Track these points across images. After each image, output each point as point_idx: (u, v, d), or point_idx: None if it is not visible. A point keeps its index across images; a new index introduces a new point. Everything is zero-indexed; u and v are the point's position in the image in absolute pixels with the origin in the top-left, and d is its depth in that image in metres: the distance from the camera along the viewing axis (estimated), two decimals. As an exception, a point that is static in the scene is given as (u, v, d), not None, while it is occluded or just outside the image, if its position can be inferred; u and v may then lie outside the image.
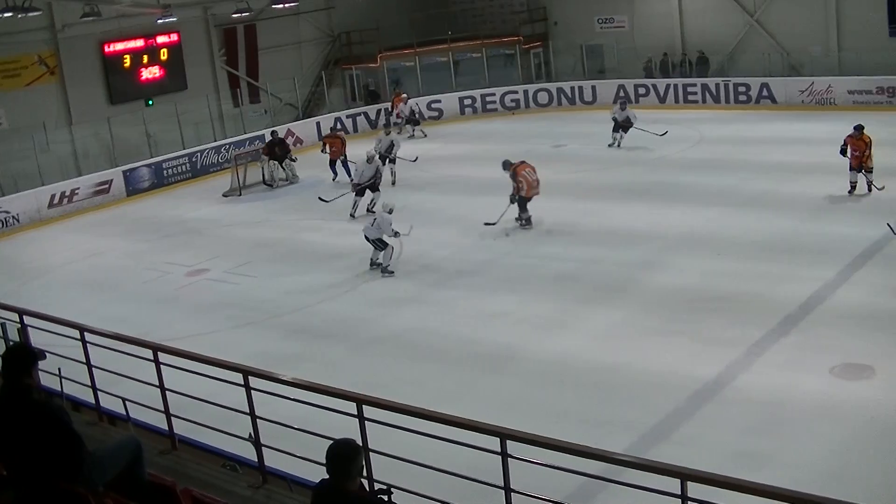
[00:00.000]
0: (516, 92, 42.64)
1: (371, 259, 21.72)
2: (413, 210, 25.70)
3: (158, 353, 10.02)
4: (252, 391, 9.10)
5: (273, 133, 33.99)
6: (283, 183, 32.68)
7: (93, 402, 11.07)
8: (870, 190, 22.64)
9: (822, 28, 37.00)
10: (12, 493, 7.40)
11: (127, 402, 10.52)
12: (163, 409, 10.06)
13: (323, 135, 36.01)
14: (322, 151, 32.50)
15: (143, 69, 37.92)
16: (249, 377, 9.08)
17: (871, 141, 22.57)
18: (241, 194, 32.06)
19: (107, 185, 33.28)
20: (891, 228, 17.69)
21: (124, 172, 33.85)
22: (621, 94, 39.81)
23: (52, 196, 31.81)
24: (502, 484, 7.50)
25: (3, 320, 12.80)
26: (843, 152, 22.85)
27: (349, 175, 30.52)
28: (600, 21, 43.26)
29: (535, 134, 36.68)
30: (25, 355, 7.60)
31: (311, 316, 19.56)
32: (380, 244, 21.43)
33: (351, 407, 8.26)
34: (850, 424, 12.79)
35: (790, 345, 15.46)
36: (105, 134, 34.90)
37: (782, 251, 19.92)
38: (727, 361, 15.00)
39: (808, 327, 16.06)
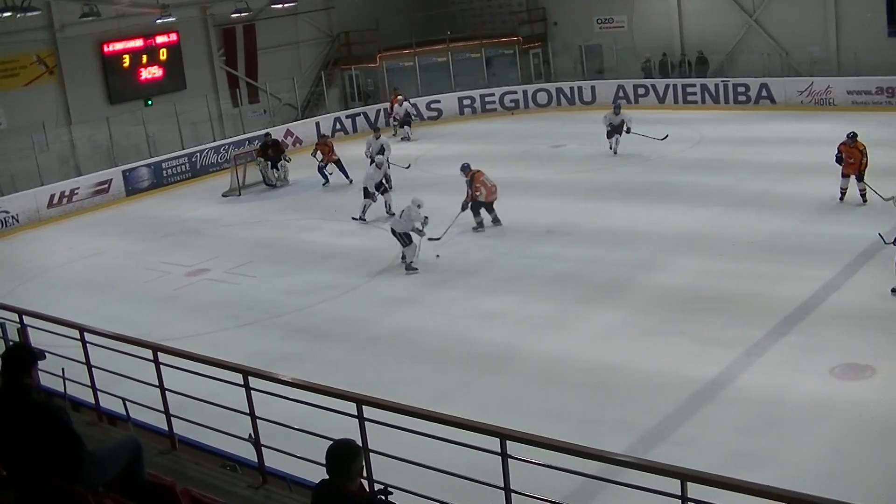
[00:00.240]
0: (515, 92, 42.64)
1: (402, 254, 21.81)
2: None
3: (158, 353, 10.02)
4: (252, 391, 9.10)
5: (267, 135, 33.96)
6: (279, 184, 32.69)
7: (92, 402, 11.06)
8: (864, 199, 22.19)
9: (822, 28, 36.98)
10: (12, 493, 7.40)
11: (127, 402, 10.51)
12: (162, 409, 10.06)
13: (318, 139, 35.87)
14: (312, 155, 32.36)
15: (142, 69, 37.89)
16: (249, 377, 9.08)
17: (865, 149, 22.26)
18: (240, 194, 32.07)
19: (106, 185, 33.29)
20: (881, 238, 17.61)
21: (124, 172, 33.87)
22: (620, 94, 39.89)
23: (52, 196, 31.82)
24: (502, 484, 7.50)
25: (3, 320, 12.81)
26: (839, 160, 22.50)
27: (346, 176, 30.82)
28: (599, 21, 43.24)
29: (534, 134, 36.72)
30: (25, 355, 7.60)
31: (310, 316, 19.56)
32: (406, 239, 21.45)
33: (351, 407, 8.27)
34: (850, 425, 12.79)
35: (790, 345, 15.45)
36: (104, 134, 34.89)
37: (783, 251, 19.91)
38: (726, 361, 14.99)
39: (809, 327, 16.05)
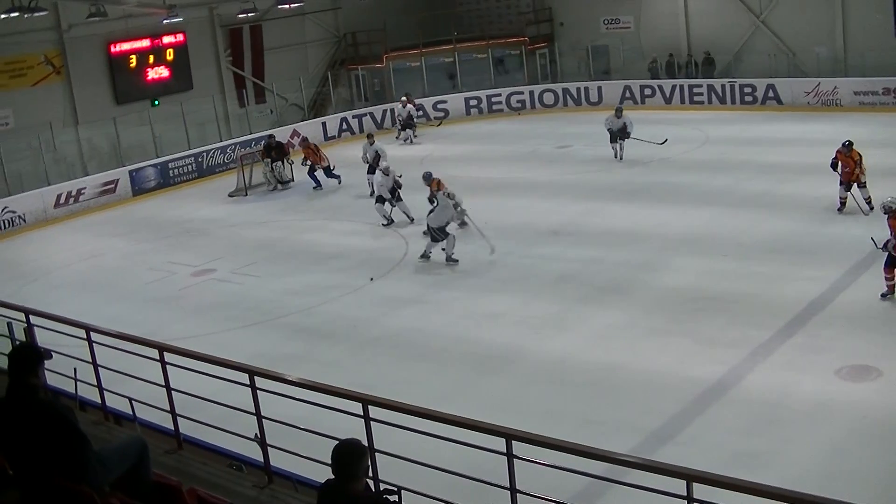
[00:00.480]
0: (522, 92, 42.62)
1: (423, 252, 21.88)
2: (415, 210, 25.70)
3: (164, 352, 10.03)
4: (258, 391, 9.12)
5: (270, 136, 33.99)
6: (279, 187, 32.68)
7: (99, 401, 11.08)
8: (871, 207, 21.53)
9: (828, 29, 36.93)
10: (18, 492, 7.42)
11: (133, 402, 10.52)
12: (168, 408, 10.07)
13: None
14: (302, 164, 32.29)
15: (148, 69, 37.89)
16: (255, 377, 9.10)
17: (860, 158, 21.95)
18: (246, 194, 32.09)
19: (113, 185, 33.33)
20: (874, 242, 17.57)
21: (130, 172, 33.91)
22: (627, 94, 39.89)
23: (59, 196, 31.87)
24: (508, 484, 7.51)
25: (10, 320, 12.82)
26: (834, 167, 22.29)
27: (316, 183, 31.12)
28: (606, 22, 43.20)
29: (540, 134, 36.72)
30: (31, 355, 7.60)
31: (314, 316, 19.59)
32: (441, 234, 21.50)
33: (356, 407, 8.27)
34: (855, 426, 12.78)
35: (794, 346, 15.44)
36: (111, 134, 34.91)
37: (788, 252, 19.90)
38: (730, 362, 14.99)
39: (813, 328, 16.04)
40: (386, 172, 25.16)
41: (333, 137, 39.87)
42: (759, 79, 37.32)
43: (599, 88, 41.25)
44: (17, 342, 12.11)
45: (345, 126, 40.84)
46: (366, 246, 23.86)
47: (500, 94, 42.67)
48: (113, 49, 36.57)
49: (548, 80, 44.01)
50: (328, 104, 43.21)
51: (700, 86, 38.86)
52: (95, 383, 10.95)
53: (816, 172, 21.96)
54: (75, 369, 10.98)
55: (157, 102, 37.65)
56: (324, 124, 40.38)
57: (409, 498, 7.51)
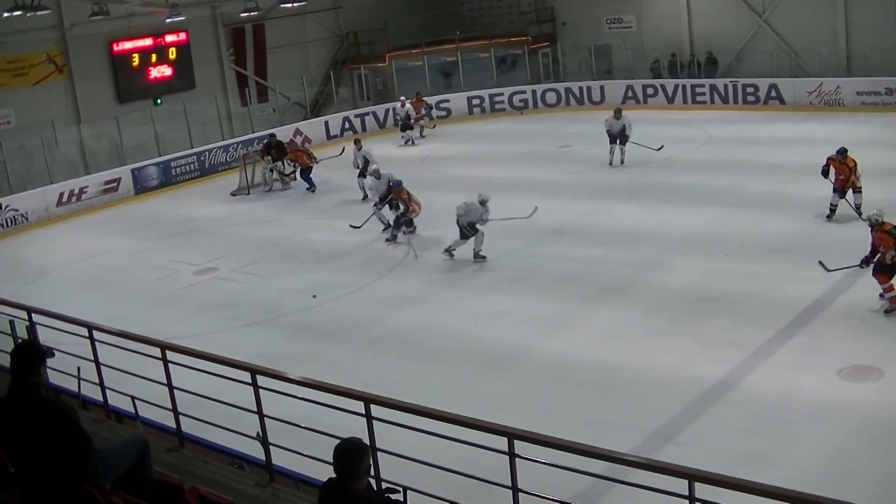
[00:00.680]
0: (524, 92, 42.60)
1: (449, 247, 21.94)
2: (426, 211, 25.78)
3: (166, 351, 10.03)
4: (260, 389, 9.12)
5: (271, 136, 33.99)
6: (277, 186, 32.60)
7: (101, 399, 11.08)
8: (860, 214, 20.85)
9: (831, 29, 36.89)
10: (20, 489, 7.43)
11: (135, 400, 10.53)
12: (170, 407, 10.07)
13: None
14: (294, 168, 32.13)
15: (151, 68, 37.94)
16: (257, 376, 9.10)
17: (855, 164, 21.59)
18: (249, 193, 32.10)
19: (115, 184, 33.35)
20: (822, 266, 17.50)
21: (132, 171, 33.94)
22: (629, 94, 39.91)
23: (61, 194, 31.89)
24: (510, 484, 7.51)
25: (12, 318, 12.83)
26: (825, 174, 21.89)
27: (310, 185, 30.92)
28: (608, 21, 43.19)
29: (542, 134, 36.71)
30: (33, 353, 7.61)
31: (316, 315, 19.59)
32: (471, 230, 21.51)
33: (358, 406, 8.28)
34: (857, 426, 12.78)
35: (797, 346, 15.44)
36: (113, 132, 34.93)
37: (790, 252, 19.88)
38: (732, 362, 14.99)
39: (816, 329, 16.04)
40: (378, 176, 24.98)
41: (336, 136, 39.88)
42: (762, 78, 37.28)
43: (602, 88, 41.23)
44: (20, 340, 12.11)
45: (347, 125, 40.85)
46: (369, 245, 23.85)
47: (502, 94, 42.65)
48: (115, 48, 36.63)
49: (550, 80, 44.00)
50: (330, 103, 43.24)
51: (702, 85, 38.83)
52: (97, 381, 10.96)
53: (819, 173, 21.92)
54: (79, 368, 10.99)
55: (159, 101, 37.67)
56: (326, 123, 40.42)
57: (412, 497, 7.52)
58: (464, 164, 32.84)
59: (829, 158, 21.91)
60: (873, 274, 16.56)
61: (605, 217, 24.21)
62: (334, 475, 6.26)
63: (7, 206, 30.41)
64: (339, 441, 6.34)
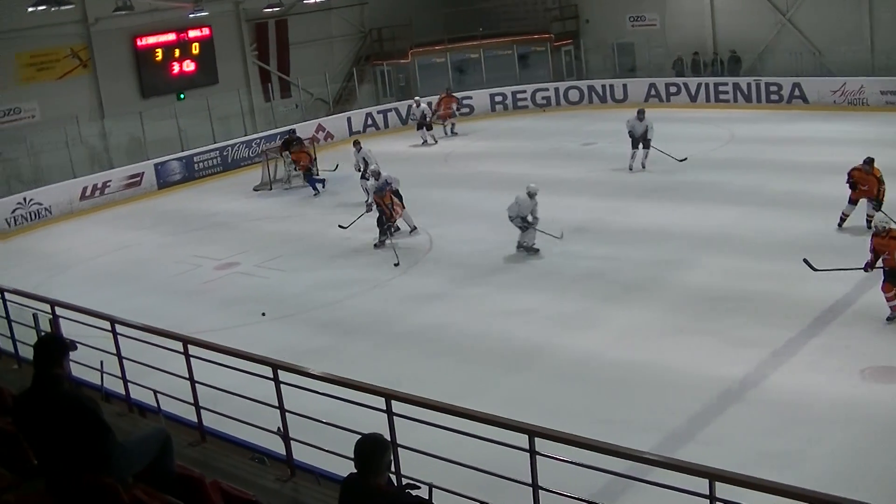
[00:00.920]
0: (547, 89, 42.56)
1: (518, 242, 21.80)
2: (441, 206, 25.76)
3: (188, 345, 10.06)
4: (281, 385, 9.14)
5: (290, 132, 34.03)
6: (300, 182, 32.27)
7: (123, 393, 11.13)
8: (869, 227, 19.61)
9: (855, 28, 36.68)
10: (42, 481, 7.47)
11: (157, 394, 10.57)
12: (192, 401, 10.11)
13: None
14: (295, 170, 32.05)
15: (174, 63, 38.09)
16: (279, 371, 9.12)
17: (882, 176, 20.84)
18: (271, 188, 32.19)
19: (138, 178, 33.53)
20: (808, 265, 17.30)
21: (155, 166, 34.11)
22: (652, 92, 39.81)
23: (84, 188, 32.09)
24: (530, 481, 7.51)
25: (35, 311, 12.89)
26: (852, 186, 21.06)
27: (314, 188, 30.71)
28: (631, 19, 43.08)
29: (565, 131, 36.64)
30: (56, 346, 7.63)
31: (338, 311, 19.64)
32: (525, 224, 21.49)
33: (379, 402, 8.29)
34: (878, 427, 12.72)
35: (819, 346, 15.38)
36: (136, 127, 35.07)
37: (813, 251, 19.66)
38: (754, 362, 14.95)
39: (838, 329, 15.98)
40: (376, 177, 24.92)
41: (358, 132, 39.87)
42: (785, 77, 37.12)
43: (625, 86, 41.13)
44: (43, 333, 12.16)
45: (370, 121, 40.94)
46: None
47: (524, 91, 42.61)
48: (139, 43, 36.79)
49: (573, 77, 43.93)
50: (353, 99, 43.31)
51: (726, 84, 38.70)
52: (120, 375, 11.01)
53: (842, 172, 21.78)
54: (101, 362, 11.04)
55: (182, 96, 37.83)
56: (349, 119, 40.49)
57: (432, 492, 7.53)
58: (486, 160, 32.83)
59: (853, 169, 21.18)
60: (883, 284, 16.16)
61: (627, 216, 24.15)
62: (355, 470, 6.27)
63: (31, 199, 30.61)
64: (360, 436, 6.35)
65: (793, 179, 25.65)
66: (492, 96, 42.66)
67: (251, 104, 40.01)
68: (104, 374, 11.19)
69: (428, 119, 37.86)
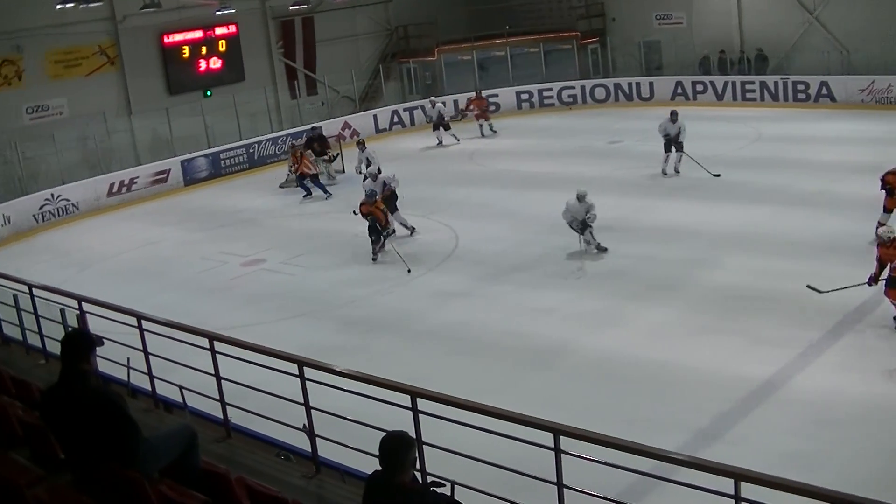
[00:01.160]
0: (573, 87, 42.49)
1: (585, 240, 21.67)
2: (466, 203, 25.72)
3: (214, 341, 10.10)
4: (307, 381, 9.16)
5: (313, 128, 34.01)
6: (326, 179, 32.18)
7: (149, 388, 11.18)
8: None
9: (883, 26, 36.40)
10: (70, 476, 7.52)
11: (183, 390, 10.61)
12: (218, 397, 10.14)
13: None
14: (295, 172, 31.73)
15: (201, 60, 38.24)
16: (304, 367, 9.14)
17: None
18: (297, 185, 32.19)
19: (165, 175, 33.66)
20: (813, 290, 16.99)
21: (182, 162, 34.26)
22: (678, 90, 39.68)
23: (111, 185, 32.25)
24: (555, 479, 7.50)
25: (63, 306, 12.96)
26: (889, 192, 19.85)
27: (306, 191, 30.45)
28: (658, 17, 42.94)
29: (591, 129, 36.58)
30: (83, 341, 7.68)
31: (364, 308, 19.66)
32: (582, 227, 21.40)
33: (405, 399, 8.29)
34: (906, 428, 12.67)
35: (845, 347, 15.31)
36: (163, 124, 35.22)
37: (841, 251, 19.62)
38: (781, 362, 14.88)
39: (865, 329, 15.89)
40: (373, 178, 24.85)
41: (384, 130, 40.03)
42: (813, 76, 36.94)
43: (651, 84, 41.05)
44: (70, 329, 12.24)
45: (396, 119, 40.98)
46: (416, 239, 23.87)
47: (551, 89, 42.56)
48: (166, 40, 36.95)
49: (599, 75, 43.83)
50: (379, 97, 43.31)
51: (752, 82, 38.57)
52: (146, 371, 11.05)
53: (870, 172, 21.62)
54: (128, 358, 11.09)
55: (209, 93, 37.96)
56: (375, 117, 40.52)
57: (456, 490, 7.53)
58: (512, 158, 32.81)
59: (887, 174, 20.07)
60: (886, 291, 15.93)
61: (654, 214, 24.09)
62: (380, 468, 6.29)
63: (59, 195, 30.78)
64: (385, 434, 6.36)
65: (820, 179, 25.52)
66: (518, 94, 42.62)
67: (277, 101, 40.11)
68: (130, 370, 11.24)
69: (446, 119, 37.54)
